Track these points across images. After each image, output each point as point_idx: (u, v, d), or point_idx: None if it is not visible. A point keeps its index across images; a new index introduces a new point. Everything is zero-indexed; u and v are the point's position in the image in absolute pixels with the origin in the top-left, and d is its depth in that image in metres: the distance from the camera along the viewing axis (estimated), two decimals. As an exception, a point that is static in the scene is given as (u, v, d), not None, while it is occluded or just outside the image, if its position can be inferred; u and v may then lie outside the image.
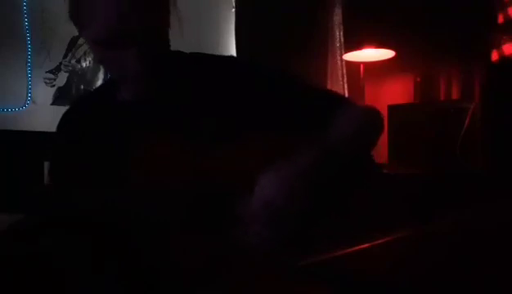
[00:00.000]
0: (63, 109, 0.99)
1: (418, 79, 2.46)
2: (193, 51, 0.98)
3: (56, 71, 2.55)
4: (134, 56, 0.83)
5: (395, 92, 2.54)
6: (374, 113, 0.95)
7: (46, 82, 2.52)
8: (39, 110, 2.99)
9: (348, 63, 2.65)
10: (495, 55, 2.01)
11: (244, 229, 0.76)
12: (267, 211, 0.75)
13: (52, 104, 2.49)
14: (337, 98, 0.98)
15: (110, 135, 0.90)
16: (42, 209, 0.80)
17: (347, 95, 2.68)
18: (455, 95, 2.35)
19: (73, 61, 2.58)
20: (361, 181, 0.87)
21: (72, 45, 2.55)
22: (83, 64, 2.61)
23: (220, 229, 0.77)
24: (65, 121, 0.98)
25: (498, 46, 2.00)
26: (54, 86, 2.52)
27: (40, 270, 0.77)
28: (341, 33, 2.70)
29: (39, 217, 0.81)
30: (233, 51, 3.03)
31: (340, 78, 2.70)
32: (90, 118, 0.94)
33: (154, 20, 0.85)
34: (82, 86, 2.61)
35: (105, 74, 2.48)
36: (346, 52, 2.61)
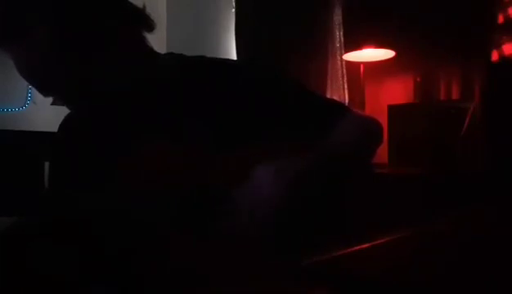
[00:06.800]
0: (63, 109, 0.99)
1: (418, 79, 2.46)
2: (196, 55, 0.97)
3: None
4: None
5: (395, 92, 2.54)
6: (373, 123, 0.94)
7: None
8: (39, 110, 2.99)
9: (348, 63, 2.65)
10: (495, 55, 2.01)
11: (235, 221, 0.75)
12: (259, 203, 0.74)
13: (52, 104, 2.49)
14: (336, 106, 0.97)
15: (103, 136, 0.90)
16: (42, 211, 0.80)
17: (347, 95, 2.69)
18: (455, 95, 2.35)
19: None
20: (357, 187, 0.87)
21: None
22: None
23: (212, 228, 0.77)
24: (66, 122, 0.99)
25: (498, 46, 2.00)
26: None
27: (35, 275, 0.77)
28: (341, 33, 2.70)
29: (37, 221, 0.81)
30: (233, 51, 3.03)
31: (340, 78, 2.70)
32: (89, 119, 0.94)
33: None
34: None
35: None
36: (346, 52, 2.60)
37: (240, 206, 0.76)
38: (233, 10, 3.08)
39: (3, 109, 3.03)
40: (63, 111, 0.99)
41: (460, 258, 0.68)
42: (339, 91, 2.68)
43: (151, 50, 0.93)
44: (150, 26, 0.90)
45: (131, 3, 0.89)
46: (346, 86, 2.69)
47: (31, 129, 2.81)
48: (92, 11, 0.83)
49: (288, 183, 0.75)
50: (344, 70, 2.69)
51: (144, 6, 0.90)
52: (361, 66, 2.53)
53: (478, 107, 2.05)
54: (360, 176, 0.89)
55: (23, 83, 2.92)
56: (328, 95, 2.63)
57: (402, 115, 2.20)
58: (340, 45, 2.69)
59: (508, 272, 0.66)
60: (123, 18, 0.87)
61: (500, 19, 2.04)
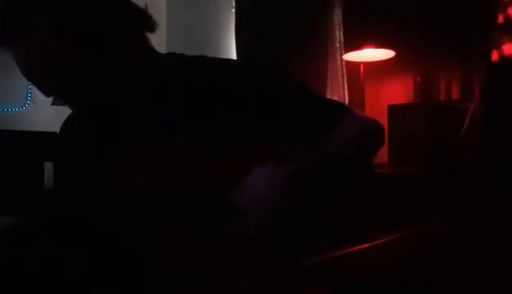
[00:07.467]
0: (63, 109, 0.99)
1: (418, 79, 2.46)
2: (197, 55, 0.97)
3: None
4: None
5: (395, 92, 2.54)
6: (374, 124, 0.94)
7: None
8: (39, 110, 3.00)
9: (348, 63, 2.65)
10: (495, 55, 2.01)
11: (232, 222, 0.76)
12: (254, 206, 0.75)
13: (52, 104, 2.48)
14: (337, 107, 0.96)
15: (103, 136, 0.90)
16: (42, 211, 0.80)
17: (347, 95, 2.69)
18: (455, 95, 2.35)
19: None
20: (357, 187, 0.87)
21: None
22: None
23: (212, 228, 0.78)
24: (67, 122, 0.99)
25: (498, 46, 2.00)
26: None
27: (35, 275, 0.77)
28: (341, 33, 2.70)
29: (37, 221, 0.81)
30: (233, 51, 3.03)
31: (340, 78, 2.70)
32: (90, 119, 0.95)
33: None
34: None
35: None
36: (346, 52, 2.60)
37: (235, 207, 0.76)
38: (233, 10, 3.07)
39: (3, 109, 3.03)
40: (63, 111, 0.99)
41: (460, 258, 0.68)
42: (338, 91, 2.68)
43: (152, 50, 0.94)
44: (151, 26, 0.90)
45: (133, 3, 0.89)
46: (346, 86, 2.69)
47: (31, 129, 2.81)
48: (92, 10, 0.83)
49: (284, 185, 0.75)
50: (344, 70, 2.69)
51: (146, 6, 0.90)
52: (361, 66, 2.53)
53: (478, 107, 2.05)
54: (360, 177, 0.89)
55: (23, 83, 2.89)
56: (328, 95, 2.63)
57: (402, 115, 2.20)
58: (340, 45, 2.69)
59: (508, 272, 0.66)
60: (125, 18, 0.87)
61: (500, 19, 2.04)
